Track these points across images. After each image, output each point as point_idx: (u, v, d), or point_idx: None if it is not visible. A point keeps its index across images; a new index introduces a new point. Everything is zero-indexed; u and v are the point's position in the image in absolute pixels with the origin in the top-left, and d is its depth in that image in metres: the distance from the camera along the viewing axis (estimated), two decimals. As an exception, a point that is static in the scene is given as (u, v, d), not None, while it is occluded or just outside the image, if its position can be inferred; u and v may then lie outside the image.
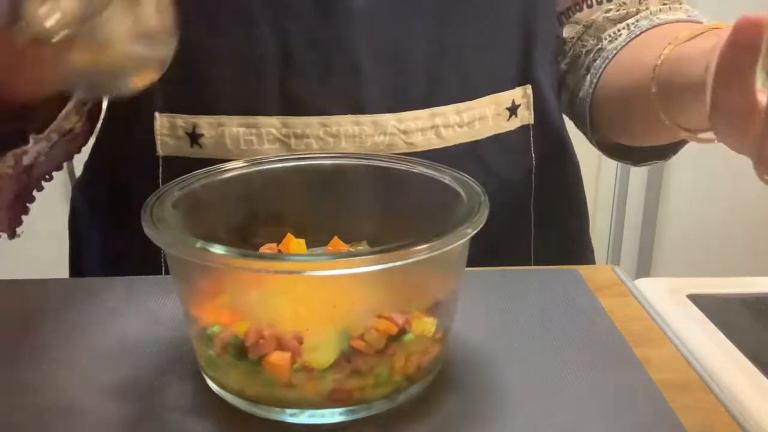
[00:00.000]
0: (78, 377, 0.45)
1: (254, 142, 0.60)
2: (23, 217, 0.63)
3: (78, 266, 0.73)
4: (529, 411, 0.42)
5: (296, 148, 0.60)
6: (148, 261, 0.60)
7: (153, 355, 0.47)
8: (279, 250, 0.48)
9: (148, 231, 0.40)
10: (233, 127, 0.60)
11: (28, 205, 0.63)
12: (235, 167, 0.49)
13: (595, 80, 0.68)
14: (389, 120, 0.60)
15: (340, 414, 0.41)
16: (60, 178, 0.74)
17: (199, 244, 0.38)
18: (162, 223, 0.41)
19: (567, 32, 0.71)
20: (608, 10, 0.70)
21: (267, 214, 0.50)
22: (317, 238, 0.49)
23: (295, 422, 0.41)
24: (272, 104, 0.60)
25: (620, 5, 0.69)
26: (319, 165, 0.51)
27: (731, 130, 0.37)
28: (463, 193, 0.45)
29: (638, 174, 1.87)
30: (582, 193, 0.75)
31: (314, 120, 0.60)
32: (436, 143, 0.62)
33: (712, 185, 1.81)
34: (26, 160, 0.57)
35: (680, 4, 0.69)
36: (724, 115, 0.36)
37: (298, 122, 0.60)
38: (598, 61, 0.68)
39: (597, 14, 0.70)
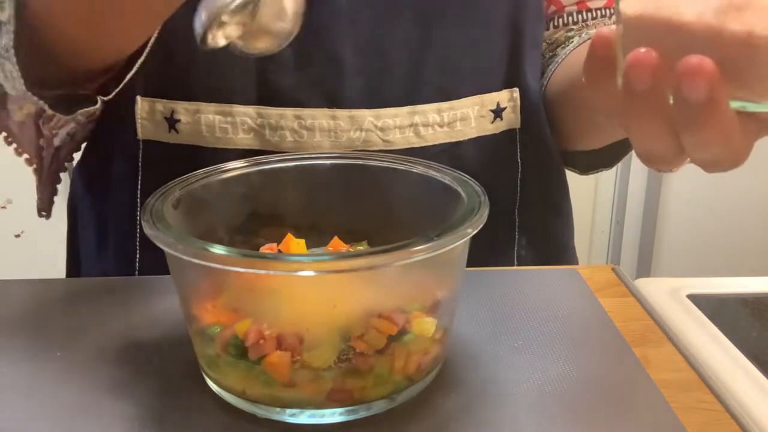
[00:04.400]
0: (78, 377, 0.45)
1: (229, 131, 0.60)
2: (28, 218, 0.64)
3: (75, 246, 0.73)
4: (529, 411, 0.42)
5: (270, 139, 0.60)
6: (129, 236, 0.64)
7: (153, 355, 0.47)
8: (279, 250, 0.48)
9: (148, 231, 0.40)
10: (209, 114, 0.60)
11: (57, 186, 0.66)
12: (235, 167, 0.49)
13: (545, 82, 0.68)
14: (366, 116, 0.60)
15: (340, 414, 0.41)
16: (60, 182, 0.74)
17: (199, 244, 0.38)
18: (162, 223, 0.41)
19: None
20: (570, 30, 0.71)
21: (267, 214, 0.50)
22: (317, 238, 0.49)
23: (295, 422, 0.41)
24: (248, 93, 0.59)
25: (582, 27, 0.70)
26: (319, 165, 0.51)
27: (611, 120, 0.40)
28: (463, 193, 0.45)
29: (638, 174, 1.87)
30: (568, 202, 0.74)
31: (289, 111, 0.59)
32: (414, 142, 0.61)
33: (712, 185, 1.81)
34: (57, 142, 0.61)
35: None
36: (600, 111, 0.40)
37: (273, 113, 0.59)
38: (551, 66, 0.69)
39: (560, 33, 0.71)
